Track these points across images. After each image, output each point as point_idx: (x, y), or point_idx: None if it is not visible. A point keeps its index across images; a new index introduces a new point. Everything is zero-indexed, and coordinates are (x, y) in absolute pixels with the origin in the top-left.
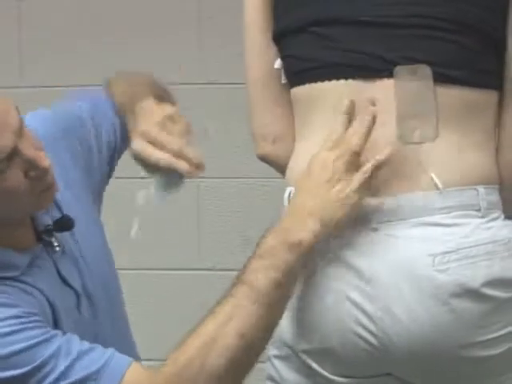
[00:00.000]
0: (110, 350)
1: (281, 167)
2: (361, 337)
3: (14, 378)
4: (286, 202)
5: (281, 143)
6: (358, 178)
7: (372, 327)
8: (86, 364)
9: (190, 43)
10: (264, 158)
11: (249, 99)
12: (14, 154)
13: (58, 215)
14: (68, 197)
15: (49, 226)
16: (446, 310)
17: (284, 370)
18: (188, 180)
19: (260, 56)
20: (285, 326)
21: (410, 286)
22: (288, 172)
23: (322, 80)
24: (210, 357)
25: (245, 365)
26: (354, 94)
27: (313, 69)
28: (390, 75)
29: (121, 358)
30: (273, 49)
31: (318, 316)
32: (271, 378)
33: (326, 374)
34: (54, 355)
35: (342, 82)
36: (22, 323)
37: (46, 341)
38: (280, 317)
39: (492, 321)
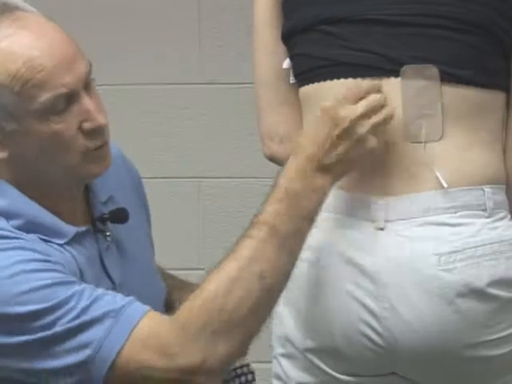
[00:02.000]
0: (132, 297)
1: None
2: (366, 336)
3: (34, 312)
4: None
5: (288, 143)
6: (375, 139)
7: (377, 326)
8: (106, 303)
9: (190, 43)
10: (271, 158)
11: (256, 98)
12: (73, 97)
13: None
14: (125, 200)
15: (104, 214)
16: (451, 309)
17: (290, 369)
18: (189, 180)
19: (268, 55)
20: (290, 324)
21: (416, 285)
22: None
23: (331, 79)
24: (231, 298)
25: (264, 307)
26: None
27: (321, 67)
28: (397, 74)
29: (141, 305)
30: (282, 48)
31: (323, 315)
32: (277, 377)
33: (331, 372)
34: (76, 294)
35: (350, 80)
36: (49, 266)
37: (69, 283)
38: (295, 262)
39: (497, 320)
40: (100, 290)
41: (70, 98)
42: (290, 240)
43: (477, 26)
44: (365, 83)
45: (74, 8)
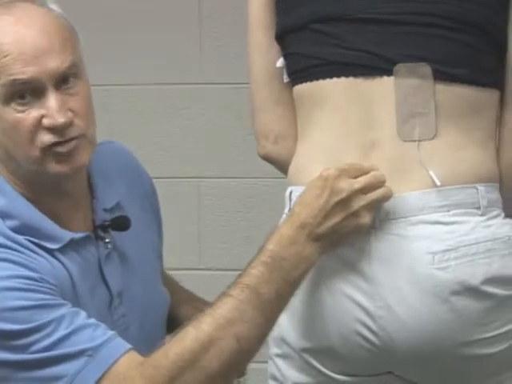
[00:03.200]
0: (112, 332)
1: (283, 166)
2: (361, 335)
3: (12, 332)
4: (287, 202)
5: (282, 142)
6: (372, 213)
7: (372, 325)
8: (85, 338)
9: (190, 43)
10: (266, 158)
11: (251, 98)
12: (39, 90)
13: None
14: (134, 209)
15: (106, 221)
16: (446, 307)
17: (286, 369)
18: (189, 180)
19: (263, 55)
20: (285, 324)
21: (410, 284)
22: (290, 172)
23: (324, 78)
24: (204, 356)
25: (235, 368)
26: (355, 92)
27: (314, 66)
28: (390, 73)
29: (120, 342)
30: (275, 48)
31: (318, 315)
32: (273, 377)
33: (327, 372)
34: (56, 321)
35: (343, 79)
36: (35, 285)
37: (52, 306)
38: (273, 326)
39: (492, 318)
40: (81, 317)
41: (35, 90)
42: (271, 305)
43: (471, 25)
44: (366, 164)
45: (75, 9)
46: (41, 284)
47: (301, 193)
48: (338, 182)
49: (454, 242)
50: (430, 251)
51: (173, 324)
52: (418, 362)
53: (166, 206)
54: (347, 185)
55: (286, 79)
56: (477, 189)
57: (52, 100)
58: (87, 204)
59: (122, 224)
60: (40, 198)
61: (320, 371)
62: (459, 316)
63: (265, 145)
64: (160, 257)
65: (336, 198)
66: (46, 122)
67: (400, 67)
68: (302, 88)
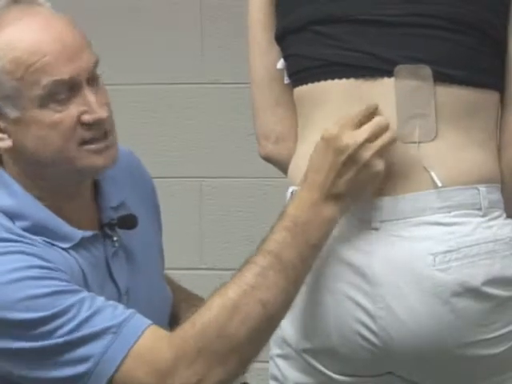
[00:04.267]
0: (132, 310)
1: (284, 167)
2: (362, 336)
3: (35, 320)
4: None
5: (283, 143)
6: (381, 162)
7: (373, 326)
8: (107, 317)
9: (193, 43)
10: (267, 158)
11: (252, 99)
12: (75, 88)
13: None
14: (138, 208)
15: (113, 220)
16: (447, 309)
17: (286, 369)
18: (191, 179)
19: (263, 56)
20: (286, 324)
21: (411, 285)
22: (290, 172)
23: (325, 79)
24: (230, 323)
25: (263, 334)
26: (355, 94)
27: (314, 68)
28: (390, 74)
29: (141, 318)
30: (275, 49)
31: (319, 315)
32: (274, 378)
33: (328, 372)
34: (76, 305)
35: (344, 81)
36: (51, 273)
37: (71, 291)
38: (299, 290)
39: (493, 319)
40: (100, 300)
41: (72, 88)
42: (295, 269)
43: (471, 27)
44: (363, 108)
45: (78, 9)
46: (57, 272)
47: (310, 155)
48: (341, 139)
49: (455, 243)
50: (431, 252)
51: (171, 322)
52: (419, 363)
53: (167, 205)
54: (351, 139)
55: (286, 80)
56: (478, 189)
57: (90, 96)
58: (93, 202)
59: (129, 222)
60: (52, 198)
61: (321, 372)
62: (460, 317)
63: (266, 145)
64: (162, 256)
65: (343, 157)
66: (87, 117)
67: (400, 69)
68: (302, 89)
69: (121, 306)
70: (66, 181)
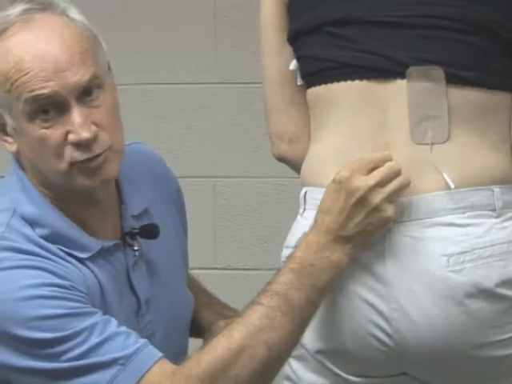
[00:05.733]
0: (144, 341)
1: (297, 167)
2: (376, 337)
3: (43, 340)
4: (301, 202)
5: (297, 143)
6: (392, 207)
7: (387, 328)
8: (117, 346)
9: (206, 43)
10: (280, 158)
11: (265, 99)
12: (63, 105)
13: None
14: (162, 214)
15: (134, 229)
16: (460, 310)
17: (300, 370)
18: (204, 179)
19: (275, 57)
20: None
21: (425, 286)
22: (302, 172)
23: (338, 80)
24: (235, 364)
25: (267, 375)
26: (368, 95)
27: (327, 69)
28: (403, 76)
29: (152, 351)
30: (288, 49)
31: (332, 317)
32: (288, 378)
33: (342, 373)
34: (88, 329)
35: (357, 82)
36: (66, 293)
37: (84, 314)
38: (304, 332)
39: (506, 321)
40: (113, 325)
41: (59, 105)
42: (301, 311)
43: (482, 28)
44: (376, 154)
45: (90, 10)
46: (72, 292)
47: (320, 201)
48: (352, 182)
49: (468, 245)
50: (445, 253)
51: (192, 327)
52: (432, 364)
53: None
54: (362, 182)
55: (299, 82)
56: (492, 190)
57: (75, 115)
58: (115, 210)
59: (150, 232)
60: (69, 206)
61: (334, 373)
62: (474, 318)
63: (279, 145)
64: (186, 259)
65: (353, 199)
66: (71, 137)
67: (412, 70)
68: (315, 91)
69: (133, 335)
70: (71, 191)
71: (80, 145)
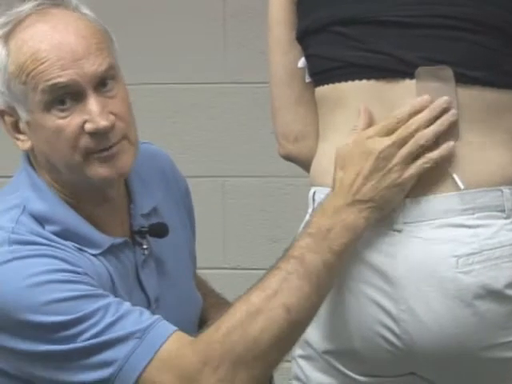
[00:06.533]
0: (158, 316)
1: (305, 164)
2: (384, 338)
3: (59, 324)
4: (310, 202)
5: (303, 141)
6: (417, 167)
7: (395, 329)
8: (132, 322)
9: (215, 42)
10: (287, 157)
11: (271, 98)
12: (79, 95)
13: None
14: (171, 213)
15: (143, 227)
16: (469, 311)
17: (309, 370)
18: (213, 179)
19: (283, 55)
20: (309, 326)
21: (434, 287)
22: (312, 171)
23: (346, 80)
24: (255, 327)
25: (288, 340)
26: (376, 95)
27: (335, 69)
28: (411, 76)
29: (167, 324)
30: (296, 48)
31: (340, 317)
32: (297, 378)
33: (350, 373)
34: (102, 309)
35: (365, 82)
36: (78, 277)
37: (97, 296)
38: (325, 297)
39: None
40: (126, 305)
41: (76, 95)
42: (318, 274)
43: (491, 27)
44: (395, 114)
45: (101, 9)
46: (83, 276)
47: (336, 159)
48: (367, 145)
49: (478, 246)
50: (454, 254)
51: (200, 327)
52: (441, 365)
53: None
54: (377, 144)
55: (307, 79)
56: (502, 191)
57: (93, 104)
58: (125, 208)
59: (159, 231)
60: (80, 203)
61: (342, 373)
62: (482, 319)
63: (285, 145)
64: (194, 258)
65: (369, 161)
66: (88, 126)
67: (421, 70)
68: (323, 89)
69: (147, 312)
70: (86, 186)
71: (97, 134)
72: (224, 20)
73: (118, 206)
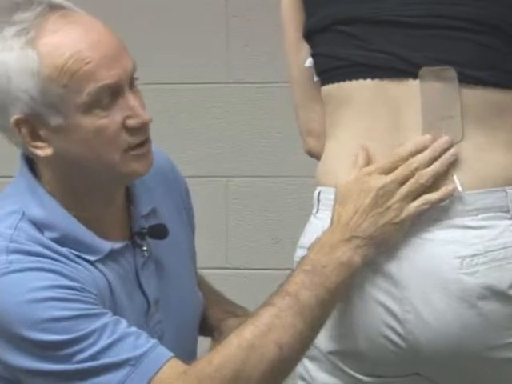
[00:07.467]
0: (154, 341)
1: None
2: (389, 339)
3: (54, 343)
4: (315, 202)
5: (323, 139)
6: (416, 207)
7: (400, 329)
8: (128, 347)
9: (218, 42)
10: (310, 153)
11: (292, 96)
12: (118, 92)
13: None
14: (170, 214)
15: (143, 229)
16: (473, 312)
17: (314, 371)
18: (217, 179)
19: (294, 54)
20: None
21: (438, 288)
22: (318, 172)
23: (350, 79)
24: (246, 363)
25: (278, 375)
26: (380, 95)
27: (339, 68)
28: (415, 76)
29: (162, 351)
30: (306, 47)
31: (345, 318)
32: (302, 378)
33: (355, 374)
34: (98, 330)
35: (369, 81)
36: (76, 295)
37: (94, 315)
38: (319, 331)
39: None
40: (123, 326)
41: (115, 92)
42: (313, 312)
43: (494, 27)
44: (397, 152)
45: (103, 9)
46: (82, 294)
47: (336, 200)
48: (369, 180)
49: (482, 247)
50: (458, 256)
51: (201, 325)
52: (446, 366)
53: (193, 204)
54: (378, 181)
55: (315, 78)
56: (506, 192)
57: (133, 100)
58: (125, 210)
59: (159, 232)
60: (86, 207)
61: (347, 373)
62: (487, 320)
63: (308, 141)
64: (194, 258)
65: (369, 198)
66: (131, 122)
67: (425, 71)
68: (328, 88)
69: (144, 336)
70: (104, 188)
71: (137, 129)
72: (227, 20)
73: (120, 208)
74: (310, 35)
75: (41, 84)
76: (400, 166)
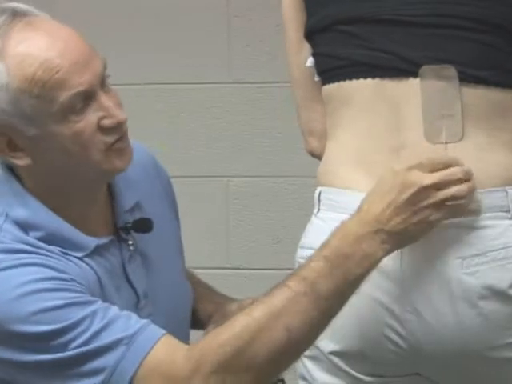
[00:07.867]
0: (146, 320)
1: None
2: (389, 339)
3: (48, 333)
4: (316, 202)
5: (325, 140)
6: (445, 213)
7: (400, 329)
8: (120, 328)
9: (219, 42)
10: (312, 153)
11: (293, 96)
12: (90, 95)
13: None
14: (154, 207)
15: (128, 223)
16: (474, 312)
17: (314, 370)
18: (217, 179)
19: (295, 54)
20: None
21: (439, 288)
22: (318, 171)
23: (350, 78)
24: (251, 344)
25: (284, 359)
26: (380, 94)
27: (340, 67)
28: (416, 75)
29: (155, 328)
30: (307, 46)
31: (346, 318)
32: (303, 377)
33: (355, 373)
34: (90, 316)
35: (369, 81)
36: (64, 284)
37: (84, 303)
38: (331, 321)
39: None
40: (114, 310)
41: (88, 97)
42: (328, 301)
43: (496, 26)
44: (445, 156)
45: (103, 8)
46: (70, 283)
47: (371, 188)
48: (409, 177)
49: (482, 247)
50: (459, 256)
51: (192, 318)
52: (446, 366)
53: (194, 204)
54: (418, 179)
55: (316, 78)
56: (506, 192)
57: (106, 101)
58: (108, 206)
59: (144, 226)
60: (70, 207)
61: (348, 373)
62: (487, 320)
63: (310, 141)
64: (181, 249)
65: (405, 194)
66: (107, 122)
67: (425, 70)
68: (329, 88)
69: (134, 316)
70: (87, 188)
71: (112, 128)
72: (228, 20)
73: (103, 205)
74: (310, 35)
75: (11, 96)
76: (439, 169)
